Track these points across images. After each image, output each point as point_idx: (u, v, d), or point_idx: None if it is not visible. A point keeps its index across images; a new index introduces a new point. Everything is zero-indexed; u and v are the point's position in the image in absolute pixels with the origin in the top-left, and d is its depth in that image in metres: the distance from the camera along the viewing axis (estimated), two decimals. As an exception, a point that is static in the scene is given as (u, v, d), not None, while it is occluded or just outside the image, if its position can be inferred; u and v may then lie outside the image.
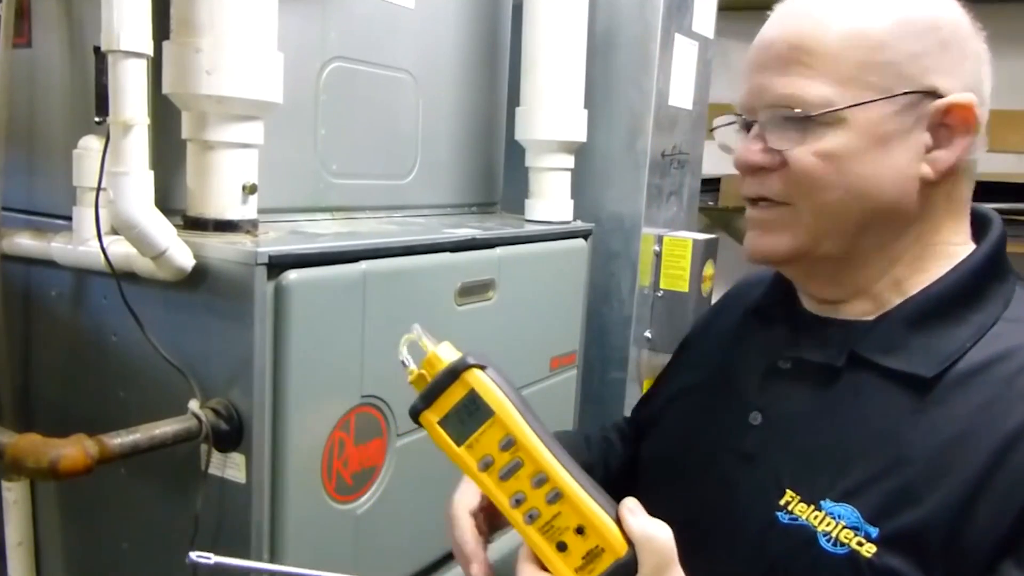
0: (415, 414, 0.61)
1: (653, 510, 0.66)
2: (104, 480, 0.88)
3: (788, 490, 0.65)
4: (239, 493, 0.86)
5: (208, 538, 0.88)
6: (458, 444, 0.60)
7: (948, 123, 0.64)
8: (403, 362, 0.61)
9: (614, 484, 0.84)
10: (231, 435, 0.85)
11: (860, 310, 0.69)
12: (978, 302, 0.66)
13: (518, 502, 0.59)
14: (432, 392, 0.60)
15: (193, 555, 0.64)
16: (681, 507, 0.72)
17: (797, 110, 0.64)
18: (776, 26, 0.67)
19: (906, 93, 0.63)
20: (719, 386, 0.78)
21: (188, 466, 0.87)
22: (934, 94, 0.63)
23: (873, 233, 0.66)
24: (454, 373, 0.59)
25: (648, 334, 1.58)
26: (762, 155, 0.67)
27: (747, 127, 0.69)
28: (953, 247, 0.68)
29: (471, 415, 0.59)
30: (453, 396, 0.59)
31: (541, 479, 0.58)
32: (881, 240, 0.67)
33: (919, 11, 0.65)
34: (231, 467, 0.86)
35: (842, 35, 0.63)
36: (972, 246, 0.69)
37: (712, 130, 0.74)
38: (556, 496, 0.58)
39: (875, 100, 0.63)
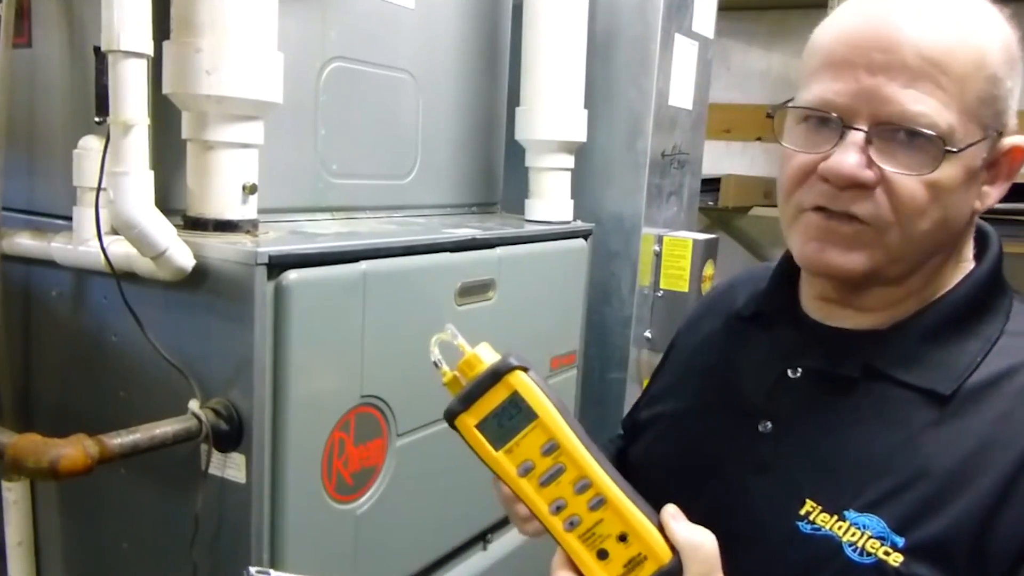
0: (451, 417, 0.58)
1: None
2: (104, 480, 0.88)
3: (808, 500, 0.64)
4: (239, 493, 0.86)
5: (208, 538, 0.88)
6: (496, 449, 0.58)
7: (1002, 162, 0.64)
8: (435, 363, 0.59)
9: None
10: (231, 435, 0.85)
11: (875, 320, 0.68)
12: (985, 314, 0.66)
13: (559, 508, 0.57)
14: (471, 394, 0.57)
15: (252, 570, 0.63)
16: (688, 511, 0.71)
17: (931, 133, 0.58)
18: (895, 22, 0.60)
19: (997, 133, 0.62)
20: (718, 391, 0.77)
21: (188, 466, 0.87)
22: (1001, 132, 0.62)
23: (933, 257, 0.65)
24: (497, 375, 0.57)
25: (648, 334, 1.58)
26: (864, 170, 0.60)
27: (840, 131, 0.61)
28: (964, 263, 0.68)
29: (511, 419, 0.57)
30: (494, 399, 0.57)
31: (584, 485, 0.57)
32: (934, 263, 0.66)
33: (1010, 34, 0.61)
34: (231, 467, 0.86)
35: (973, 56, 0.59)
36: (973, 260, 0.69)
37: (769, 115, 0.67)
38: (599, 503, 0.57)
39: (981, 141, 0.61)
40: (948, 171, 0.60)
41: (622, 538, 0.57)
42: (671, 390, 0.85)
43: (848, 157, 0.60)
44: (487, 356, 0.58)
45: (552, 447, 0.57)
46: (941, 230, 0.63)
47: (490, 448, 0.58)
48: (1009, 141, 0.63)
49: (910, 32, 0.59)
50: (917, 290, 0.67)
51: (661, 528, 0.57)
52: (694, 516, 0.68)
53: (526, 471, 0.57)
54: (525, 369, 0.57)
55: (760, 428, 0.69)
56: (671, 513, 0.58)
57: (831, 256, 0.64)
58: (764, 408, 0.70)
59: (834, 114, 0.61)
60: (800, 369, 0.70)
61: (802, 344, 0.71)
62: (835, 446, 0.65)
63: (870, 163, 0.60)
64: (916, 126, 0.58)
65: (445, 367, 0.59)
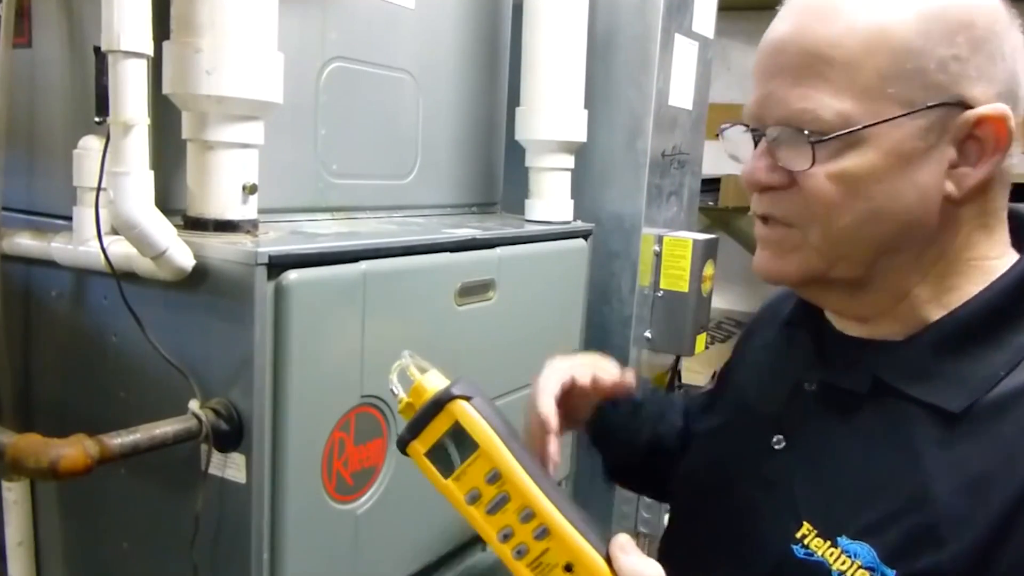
0: (402, 445, 0.59)
1: (679, 526, 0.65)
2: (104, 480, 0.88)
3: (805, 522, 0.62)
4: (239, 493, 0.86)
5: (208, 538, 0.88)
6: (445, 476, 0.58)
7: (978, 136, 0.58)
8: (392, 391, 0.60)
9: (650, 449, 0.85)
10: (231, 435, 0.85)
11: (888, 330, 0.64)
12: (1018, 321, 0.60)
13: (506, 537, 0.57)
14: (418, 423, 0.58)
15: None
16: (703, 527, 0.70)
17: (807, 130, 0.58)
18: (787, 25, 0.61)
19: (933, 107, 0.56)
20: (744, 405, 0.75)
21: (188, 466, 0.87)
22: (963, 104, 0.57)
23: (891, 255, 0.61)
24: (438, 404, 0.57)
25: (648, 334, 1.58)
26: (770, 174, 0.61)
27: (756, 139, 0.63)
28: (990, 262, 0.62)
29: (457, 447, 0.58)
30: (439, 427, 0.58)
31: (528, 514, 0.57)
32: (899, 261, 0.61)
33: (940, 4, 0.57)
34: (231, 467, 0.86)
35: (862, 38, 0.57)
36: (1013, 256, 0.63)
37: (718, 135, 0.69)
38: (544, 532, 0.57)
39: (898, 117, 0.56)
40: (858, 159, 0.57)
41: (568, 568, 0.56)
42: (714, 405, 0.83)
43: (755, 162, 0.62)
44: (432, 384, 0.59)
45: (495, 476, 0.57)
46: (877, 223, 0.59)
47: (439, 476, 0.58)
48: (974, 112, 0.57)
49: (796, 31, 0.59)
50: (931, 296, 0.62)
51: (609, 559, 0.56)
52: (705, 534, 0.67)
53: (473, 499, 0.58)
54: (468, 398, 0.57)
55: (774, 443, 0.67)
56: (620, 544, 0.57)
57: (767, 262, 0.65)
58: (779, 422, 0.68)
59: (747, 124, 0.64)
60: (815, 383, 0.67)
61: (820, 355, 0.68)
62: (838, 465, 0.63)
63: (776, 166, 0.61)
64: (800, 124, 0.58)
65: (402, 394, 0.60)
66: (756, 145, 0.63)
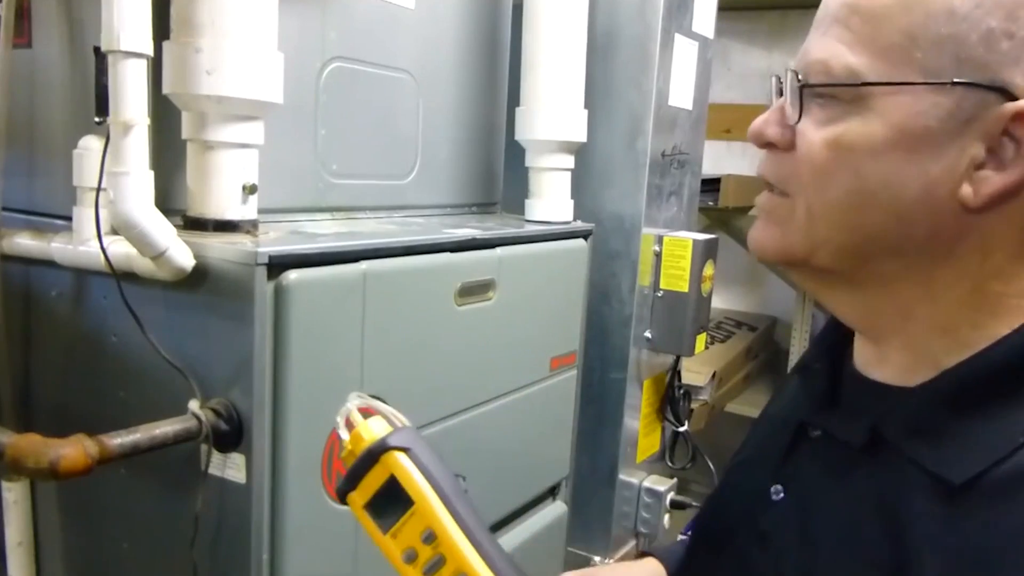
0: (341, 495, 0.56)
1: (689, 572, 0.62)
2: (104, 480, 0.88)
3: None
4: (239, 493, 0.86)
5: (208, 538, 0.88)
6: (383, 531, 0.54)
7: (1015, 135, 0.48)
8: (339, 436, 0.57)
9: None
10: (231, 435, 0.85)
11: (900, 366, 0.55)
12: None
13: None
14: (355, 473, 0.55)
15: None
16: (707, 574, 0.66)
17: (803, 77, 0.51)
18: None
19: (963, 84, 0.47)
20: (755, 451, 0.70)
21: (188, 466, 0.87)
22: (1003, 93, 0.47)
23: (885, 256, 0.53)
24: (373, 455, 0.54)
25: (648, 334, 1.58)
26: (772, 127, 0.55)
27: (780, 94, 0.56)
28: (1021, 301, 0.51)
29: (394, 502, 0.54)
30: (376, 479, 0.54)
31: None
32: (907, 269, 0.53)
33: None
34: (231, 467, 0.86)
35: None
36: None
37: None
38: None
39: (912, 83, 0.48)
40: (858, 126, 0.50)
41: None
42: (746, 439, 0.76)
43: (766, 115, 0.56)
44: (370, 433, 0.55)
45: (430, 536, 0.53)
46: (867, 208, 0.51)
47: (378, 531, 0.54)
48: (1014, 106, 0.47)
49: None
50: (951, 328, 0.52)
51: None
52: None
53: (410, 559, 0.53)
54: (405, 449, 0.54)
55: (772, 494, 0.61)
56: None
57: (754, 232, 0.58)
58: (779, 471, 0.62)
59: (779, 79, 0.56)
60: (819, 429, 0.60)
61: (828, 399, 0.61)
62: (825, 527, 0.55)
63: (780, 120, 0.55)
64: (809, 71, 0.52)
65: (346, 438, 0.56)
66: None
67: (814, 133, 0.52)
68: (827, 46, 0.51)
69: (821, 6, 0.54)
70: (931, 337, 0.53)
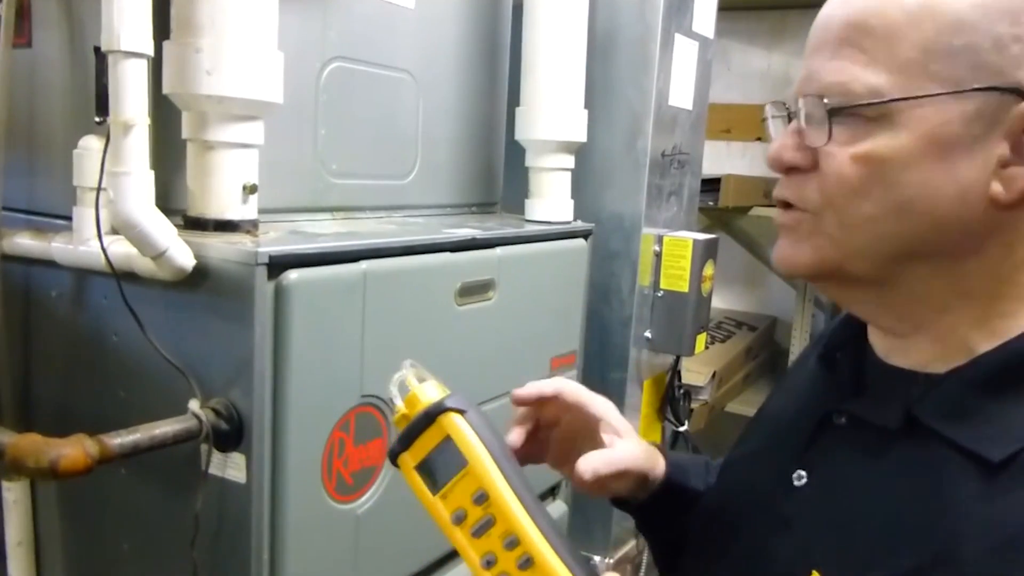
0: (392, 456, 0.57)
1: (692, 563, 0.62)
2: (104, 480, 0.88)
3: (815, 571, 0.55)
4: (239, 493, 0.86)
5: (208, 538, 0.88)
6: (433, 492, 0.55)
7: None
8: (390, 400, 0.58)
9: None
10: (231, 435, 0.85)
11: (929, 358, 0.57)
12: None
13: (489, 564, 0.54)
14: (409, 434, 0.56)
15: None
16: (715, 566, 0.66)
17: (828, 100, 0.52)
18: (834, 1, 0.56)
19: (982, 89, 0.50)
20: (770, 437, 0.70)
21: (188, 466, 0.87)
22: (1019, 93, 0.50)
23: (919, 260, 0.54)
24: (430, 416, 0.55)
25: (648, 334, 1.58)
26: (794, 153, 0.56)
27: (790, 119, 0.58)
28: None
29: (447, 463, 0.55)
30: (430, 441, 0.55)
31: (512, 541, 0.53)
32: (937, 269, 0.54)
33: None
34: (231, 467, 0.86)
35: (908, 8, 0.51)
36: None
37: (763, 121, 0.64)
38: (527, 562, 0.53)
39: (938, 95, 0.50)
40: (888, 140, 0.52)
41: None
42: (744, 435, 0.78)
43: (782, 140, 0.57)
44: (427, 395, 0.56)
45: (482, 497, 0.54)
46: (904, 218, 0.53)
47: (427, 491, 0.56)
48: None
49: (842, 3, 0.55)
50: (982, 320, 0.55)
51: None
52: (716, 572, 0.62)
53: (459, 520, 0.55)
54: (462, 411, 0.55)
55: (794, 479, 0.61)
56: None
57: (782, 252, 0.59)
58: (802, 457, 0.62)
59: (788, 106, 0.59)
60: (845, 415, 0.60)
61: (856, 386, 0.62)
62: (859, 510, 0.56)
63: (802, 145, 0.56)
64: (829, 93, 0.53)
65: (399, 403, 0.58)
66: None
67: (841, 152, 0.53)
68: (841, 68, 0.53)
69: (818, 29, 0.56)
70: (963, 329, 0.55)
